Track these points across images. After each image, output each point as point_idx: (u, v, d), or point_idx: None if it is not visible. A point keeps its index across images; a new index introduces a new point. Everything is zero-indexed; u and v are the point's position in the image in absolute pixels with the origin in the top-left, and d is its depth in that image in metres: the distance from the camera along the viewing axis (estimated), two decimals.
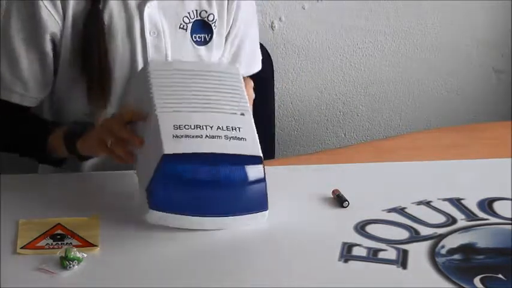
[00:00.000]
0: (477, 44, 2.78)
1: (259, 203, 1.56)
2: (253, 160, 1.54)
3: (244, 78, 1.73)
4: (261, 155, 1.55)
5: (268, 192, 1.54)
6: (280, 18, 2.64)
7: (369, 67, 2.75)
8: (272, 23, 2.63)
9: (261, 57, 2.03)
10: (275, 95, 2.41)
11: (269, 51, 2.38)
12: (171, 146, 1.50)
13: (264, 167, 1.54)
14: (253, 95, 1.75)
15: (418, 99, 2.82)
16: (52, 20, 1.78)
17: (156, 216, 1.52)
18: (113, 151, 1.63)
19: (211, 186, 1.52)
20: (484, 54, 2.80)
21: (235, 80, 1.68)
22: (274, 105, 2.39)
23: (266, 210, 1.57)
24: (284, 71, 2.69)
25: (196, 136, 1.53)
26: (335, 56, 2.72)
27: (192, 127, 1.54)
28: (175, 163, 1.50)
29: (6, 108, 1.83)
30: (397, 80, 2.78)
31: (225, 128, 1.55)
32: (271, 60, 2.34)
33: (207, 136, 1.53)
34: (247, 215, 1.56)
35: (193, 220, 1.53)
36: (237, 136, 1.55)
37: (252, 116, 1.62)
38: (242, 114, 1.60)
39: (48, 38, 1.80)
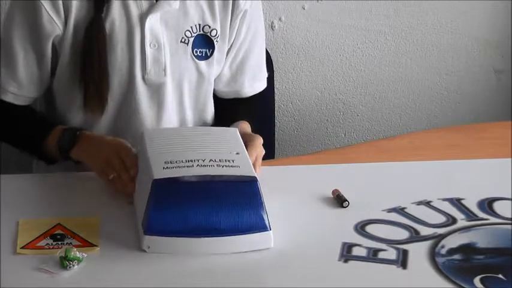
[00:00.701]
0: (477, 44, 2.78)
1: (257, 222, 1.51)
2: (246, 178, 1.52)
3: (252, 135, 1.74)
4: (255, 175, 1.52)
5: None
6: (280, 18, 2.64)
7: (369, 67, 2.75)
8: (272, 23, 2.63)
9: (266, 75, 2.02)
10: (275, 95, 2.41)
11: (269, 51, 2.38)
12: (161, 173, 1.50)
13: (259, 185, 1.51)
14: (262, 151, 1.75)
15: (418, 99, 2.82)
16: (53, 25, 1.78)
17: (154, 241, 1.48)
18: (112, 183, 1.66)
19: (203, 204, 1.48)
20: (484, 54, 2.80)
21: (232, 133, 1.68)
22: (274, 105, 2.39)
23: (268, 230, 1.51)
24: (284, 71, 2.69)
25: (187, 166, 1.52)
26: (335, 56, 2.72)
27: (184, 161, 1.53)
28: (166, 186, 1.49)
29: (1, 106, 1.84)
30: (397, 80, 2.78)
31: (217, 160, 1.54)
32: (271, 60, 2.34)
33: (198, 165, 1.52)
34: (246, 235, 1.51)
35: (192, 242, 1.49)
36: (230, 165, 1.54)
37: (248, 156, 1.60)
38: (237, 153, 1.59)
39: (48, 41, 1.80)
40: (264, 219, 1.51)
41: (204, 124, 1.94)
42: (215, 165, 1.53)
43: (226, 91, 1.97)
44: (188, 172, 1.51)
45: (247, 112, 1.96)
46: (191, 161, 1.53)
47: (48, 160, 1.85)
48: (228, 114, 1.92)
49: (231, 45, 1.92)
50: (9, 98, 1.84)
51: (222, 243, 1.49)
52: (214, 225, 1.49)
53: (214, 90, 1.96)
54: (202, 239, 1.49)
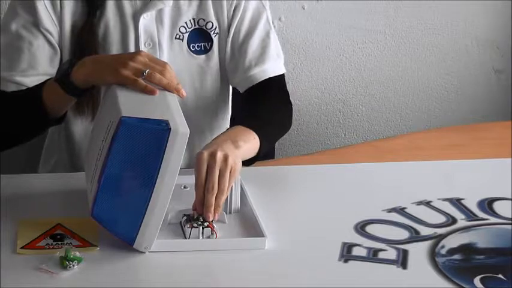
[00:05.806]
0: (477, 44, 2.78)
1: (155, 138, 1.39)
2: (118, 130, 1.40)
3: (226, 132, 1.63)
4: (121, 113, 1.40)
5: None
6: (280, 18, 2.64)
7: (369, 67, 2.75)
8: (272, 23, 2.63)
9: (281, 60, 1.91)
10: None
11: None
12: (90, 202, 1.47)
13: (123, 121, 1.39)
14: (236, 151, 1.57)
15: (418, 99, 2.82)
16: (51, 22, 1.77)
17: (143, 242, 1.46)
18: (135, 81, 1.52)
19: (128, 187, 1.43)
20: (484, 54, 2.80)
21: (110, 95, 1.54)
22: None
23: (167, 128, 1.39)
24: None
25: (94, 171, 1.47)
26: (335, 56, 2.72)
27: (92, 171, 1.48)
28: (98, 211, 1.44)
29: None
30: (397, 80, 2.79)
31: (105, 139, 1.45)
32: None
33: (98, 160, 1.46)
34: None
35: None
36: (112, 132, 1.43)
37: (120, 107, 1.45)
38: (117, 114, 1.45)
39: (49, 37, 1.79)
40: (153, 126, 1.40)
41: (219, 127, 1.91)
42: (106, 146, 1.43)
43: (237, 79, 1.87)
44: (94, 177, 1.46)
45: (262, 101, 1.83)
46: (95, 163, 1.47)
47: (55, 120, 1.71)
48: (247, 110, 1.84)
49: (230, 27, 1.86)
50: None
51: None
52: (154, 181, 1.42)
53: (232, 83, 1.90)
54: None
